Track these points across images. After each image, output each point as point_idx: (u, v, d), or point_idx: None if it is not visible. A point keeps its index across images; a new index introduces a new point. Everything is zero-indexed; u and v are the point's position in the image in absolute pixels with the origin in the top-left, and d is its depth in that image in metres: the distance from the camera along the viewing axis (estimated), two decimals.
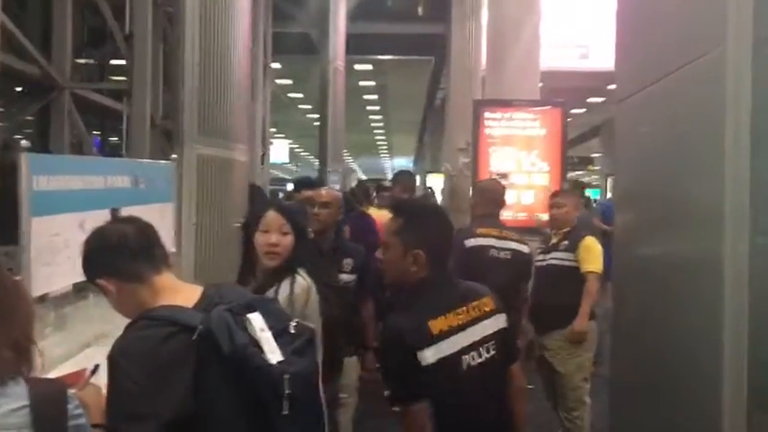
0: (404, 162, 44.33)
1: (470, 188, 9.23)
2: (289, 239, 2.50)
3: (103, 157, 8.05)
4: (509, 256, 3.84)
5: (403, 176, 6.03)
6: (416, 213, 2.08)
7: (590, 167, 26.99)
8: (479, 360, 1.93)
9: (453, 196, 11.31)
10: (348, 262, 3.52)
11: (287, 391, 1.43)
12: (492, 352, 1.97)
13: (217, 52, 3.69)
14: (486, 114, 8.31)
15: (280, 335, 1.51)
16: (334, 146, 10.97)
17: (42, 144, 7.43)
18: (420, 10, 15.76)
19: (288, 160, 28.90)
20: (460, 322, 1.92)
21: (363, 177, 27.94)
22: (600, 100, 20.12)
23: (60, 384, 1.41)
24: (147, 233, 1.68)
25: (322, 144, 11.00)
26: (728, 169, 1.93)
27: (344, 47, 11.49)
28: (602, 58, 14.35)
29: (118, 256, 1.63)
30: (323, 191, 3.72)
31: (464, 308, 1.95)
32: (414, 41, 16.23)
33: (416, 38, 16.06)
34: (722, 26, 1.96)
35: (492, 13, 9.45)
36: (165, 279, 1.66)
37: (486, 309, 2.01)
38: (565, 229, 4.28)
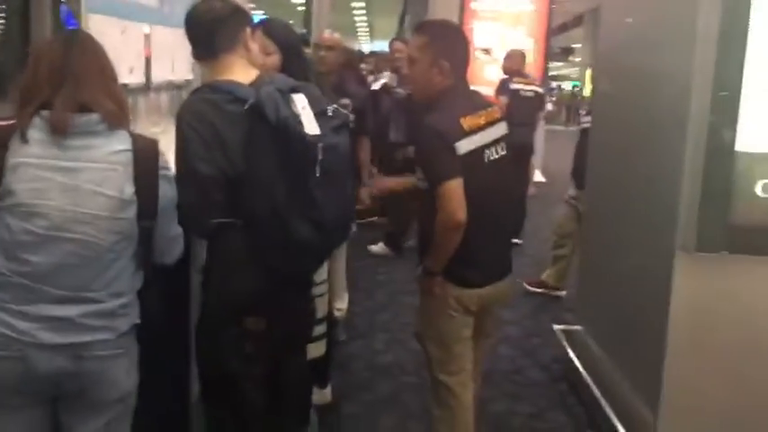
0: (383, 46, 43.33)
1: None
2: (274, 59, 2.47)
3: None
4: (532, 95, 6.36)
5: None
6: (438, 30, 2.36)
7: (570, 58, 26.93)
8: (496, 156, 2.28)
9: None
10: (346, 102, 3.63)
11: (320, 158, 1.70)
12: (503, 151, 2.32)
13: None
14: None
15: (320, 115, 1.77)
16: (318, 29, 10.77)
17: None
18: None
19: None
20: (482, 123, 2.25)
21: None
22: None
23: (154, 141, 1.66)
24: (225, 13, 1.88)
25: (306, 27, 10.83)
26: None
27: None
28: None
29: (197, 34, 1.89)
30: (325, 34, 3.90)
31: (483, 111, 2.28)
32: None
33: None
34: None
35: None
36: (234, 58, 1.89)
37: (496, 116, 2.34)
38: None
